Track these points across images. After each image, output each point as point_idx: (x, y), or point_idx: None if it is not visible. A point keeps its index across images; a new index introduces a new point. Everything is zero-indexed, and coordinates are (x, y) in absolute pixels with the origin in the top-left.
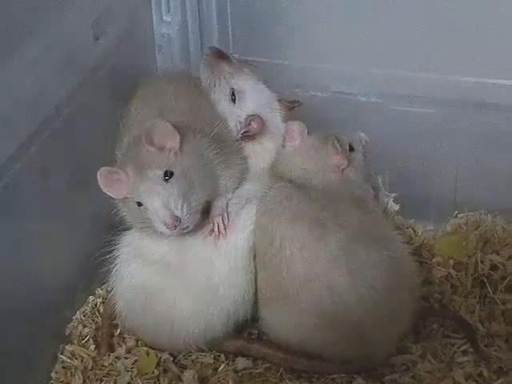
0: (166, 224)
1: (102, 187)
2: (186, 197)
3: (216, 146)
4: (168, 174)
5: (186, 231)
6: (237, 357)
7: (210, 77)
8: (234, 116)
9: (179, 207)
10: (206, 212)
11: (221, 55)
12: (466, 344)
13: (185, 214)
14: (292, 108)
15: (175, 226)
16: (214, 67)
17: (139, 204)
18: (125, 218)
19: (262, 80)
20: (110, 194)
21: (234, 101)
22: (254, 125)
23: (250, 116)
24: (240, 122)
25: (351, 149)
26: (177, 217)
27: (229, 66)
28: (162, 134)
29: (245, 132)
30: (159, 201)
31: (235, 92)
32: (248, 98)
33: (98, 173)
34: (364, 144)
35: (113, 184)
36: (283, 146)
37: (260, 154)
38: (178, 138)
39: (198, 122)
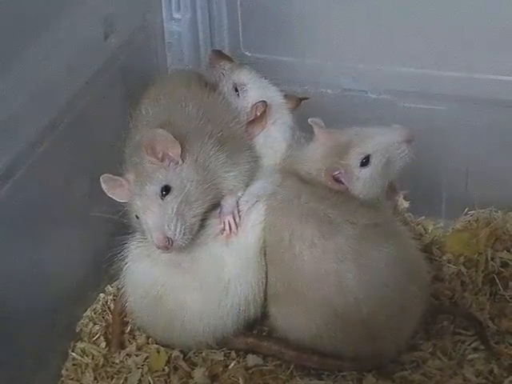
0: (157, 246)
1: (105, 191)
2: (181, 215)
3: (224, 146)
4: (165, 190)
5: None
6: (247, 354)
7: (214, 75)
8: (242, 108)
9: (172, 228)
10: (216, 209)
11: (222, 55)
12: (477, 341)
13: (177, 234)
14: (299, 102)
15: (167, 248)
16: (215, 66)
17: (137, 216)
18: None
19: (263, 76)
20: (114, 198)
21: (238, 95)
22: (258, 109)
23: (254, 104)
24: (247, 114)
25: (365, 162)
26: (169, 238)
27: (229, 63)
28: (163, 144)
29: (252, 120)
30: (153, 221)
31: (237, 85)
32: (250, 90)
33: (101, 179)
34: (393, 149)
35: (115, 189)
36: (298, 142)
37: (270, 146)
38: (179, 148)
39: (207, 124)
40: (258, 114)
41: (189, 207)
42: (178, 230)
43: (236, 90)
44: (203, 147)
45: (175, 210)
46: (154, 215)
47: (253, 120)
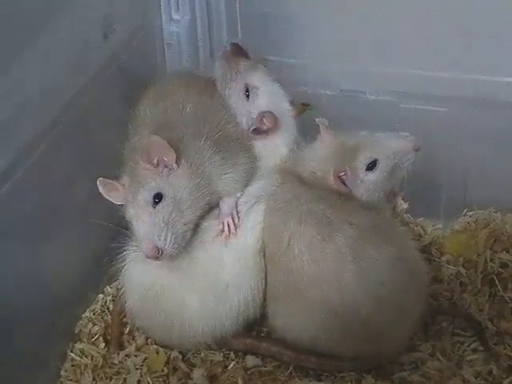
0: (146, 255)
1: (102, 194)
2: (172, 224)
3: (221, 147)
4: (157, 197)
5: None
6: (246, 355)
7: (226, 71)
8: (246, 112)
9: (162, 238)
10: (215, 210)
11: (240, 51)
12: (476, 342)
13: (167, 244)
14: (303, 110)
15: (156, 257)
16: (231, 61)
17: (131, 222)
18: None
19: (276, 80)
20: (111, 200)
21: (247, 97)
22: (267, 122)
23: (262, 112)
24: (252, 119)
25: (371, 167)
26: (158, 248)
27: (246, 62)
28: (158, 151)
29: (257, 128)
30: (143, 230)
31: (249, 88)
32: (261, 95)
33: (97, 182)
34: (400, 157)
35: (111, 192)
36: (298, 144)
37: (271, 151)
38: (173, 155)
39: (204, 126)
40: (267, 123)
41: (180, 215)
42: (168, 239)
43: (247, 91)
44: (199, 150)
45: (166, 219)
46: (144, 224)
47: (257, 128)
